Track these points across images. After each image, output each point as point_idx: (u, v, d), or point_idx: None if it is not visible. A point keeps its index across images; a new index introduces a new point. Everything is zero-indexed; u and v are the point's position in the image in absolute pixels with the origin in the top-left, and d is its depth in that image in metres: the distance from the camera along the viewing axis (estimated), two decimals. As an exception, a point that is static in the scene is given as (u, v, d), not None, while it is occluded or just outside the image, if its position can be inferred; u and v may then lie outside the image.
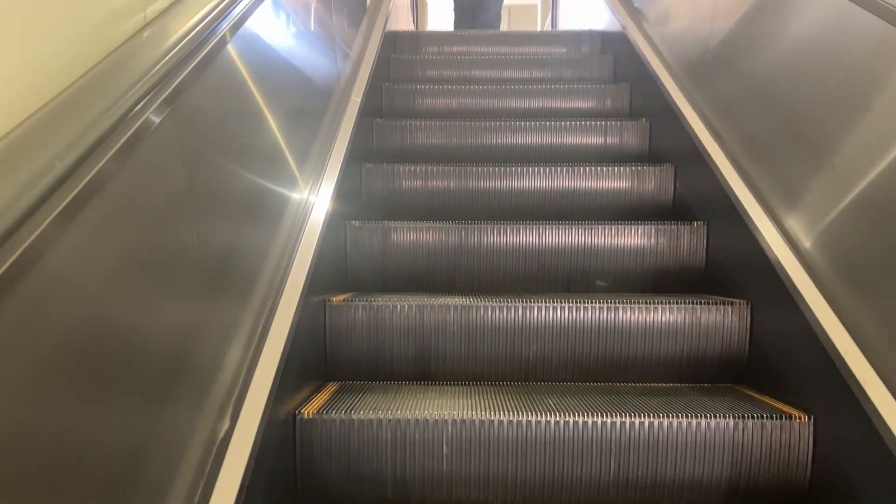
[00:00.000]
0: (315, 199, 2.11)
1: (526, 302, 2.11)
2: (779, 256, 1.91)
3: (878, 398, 1.48)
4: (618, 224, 2.51)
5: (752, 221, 2.08)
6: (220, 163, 1.51)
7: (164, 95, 1.19)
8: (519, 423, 1.71)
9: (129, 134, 1.06)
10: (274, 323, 1.61)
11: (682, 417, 1.70)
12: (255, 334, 1.53)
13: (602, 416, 1.70)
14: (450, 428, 1.70)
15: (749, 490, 1.70)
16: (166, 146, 1.24)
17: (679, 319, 2.11)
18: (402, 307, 2.10)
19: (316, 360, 2.01)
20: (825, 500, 1.62)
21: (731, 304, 2.10)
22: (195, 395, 1.25)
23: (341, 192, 2.35)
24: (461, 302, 2.11)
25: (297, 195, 2.01)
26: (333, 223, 2.22)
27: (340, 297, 2.14)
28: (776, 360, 1.93)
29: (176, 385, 1.18)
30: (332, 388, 1.99)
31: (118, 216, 1.05)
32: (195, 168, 1.36)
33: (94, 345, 0.95)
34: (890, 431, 1.41)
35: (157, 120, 1.17)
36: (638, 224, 2.52)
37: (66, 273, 0.91)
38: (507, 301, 2.11)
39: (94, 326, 0.96)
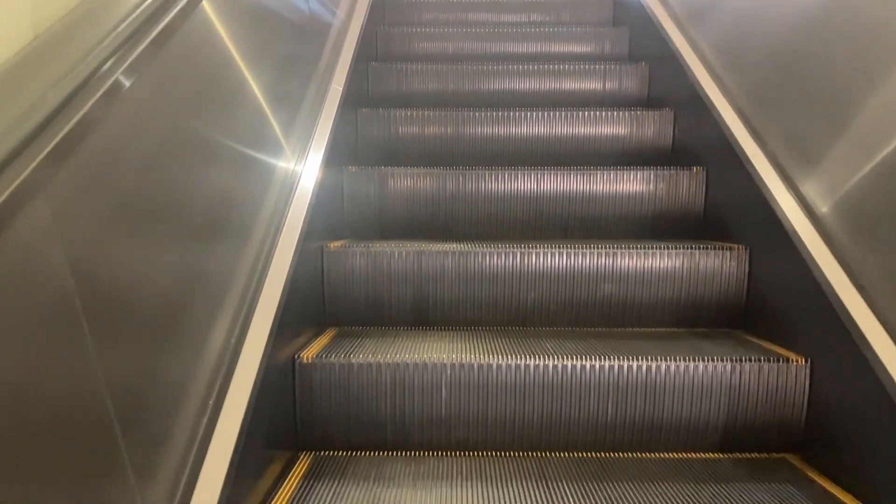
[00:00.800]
0: (311, 146, 2.08)
1: (524, 248, 2.10)
2: (779, 200, 1.89)
3: (876, 341, 1.49)
4: (616, 170, 2.49)
5: (753, 166, 2.06)
6: (219, 111, 1.49)
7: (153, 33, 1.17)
8: (517, 366, 1.71)
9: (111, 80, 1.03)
10: (271, 268, 1.60)
11: (679, 361, 1.71)
12: (253, 280, 1.52)
13: (600, 359, 1.71)
14: (448, 372, 1.71)
15: (745, 431, 1.72)
16: (159, 93, 1.21)
17: (677, 265, 2.11)
18: (400, 253, 2.09)
19: (314, 306, 2.00)
20: (820, 441, 1.64)
21: (730, 249, 2.09)
22: (195, 341, 1.24)
23: (337, 138, 2.31)
24: (459, 248, 2.10)
25: (293, 142, 1.98)
26: (330, 169, 2.19)
27: (338, 244, 2.13)
28: (774, 305, 1.93)
29: (176, 329, 1.17)
30: (331, 333, 1.99)
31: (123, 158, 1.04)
32: (195, 115, 1.34)
33: (93, 289, 0.94)
34: (887, 373, 1.42)
35: (143, 65, 1.14)
36: (636, 170, 2.49)
37: (65, 211, 0.89)
38: (506, 247, 2.10)
39: (94, 269, 0.95)
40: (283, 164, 1.86)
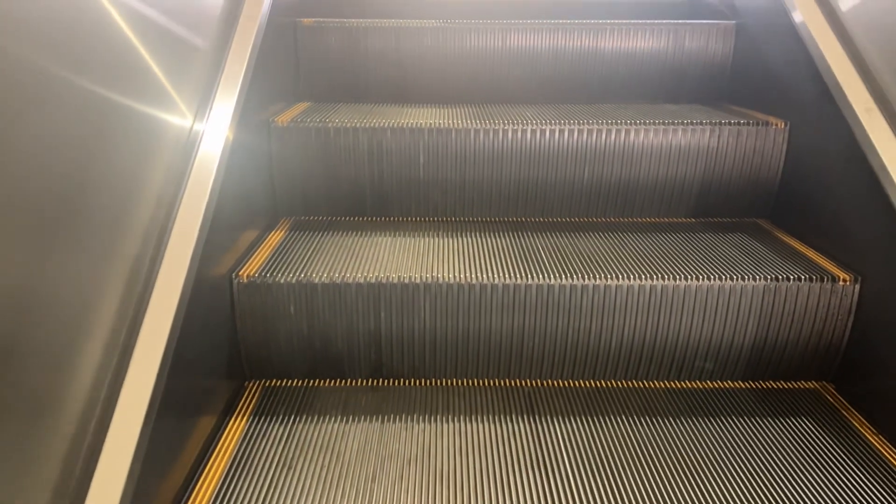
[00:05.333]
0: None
1: (506, 24, 2.02)
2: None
3: (854, 99, 1.46)
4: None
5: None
6: None
7: None
8: (494, 131, 1.70)
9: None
10: (238, 35, 1.52)
11: (658, 125, 1.70)
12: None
13: (578, 124, 1.69)
14: (426, 137, 1.69)
15: (720, 193, 1.74)
16: None
17: (663, 46, 2.06)
18: (378, 28, 2.02)
19: (289, 80, 1.95)
20: (791, 199, 1.67)
21: (717, 26, 2.03)
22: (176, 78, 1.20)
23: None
24: (438, 24, 2.03)
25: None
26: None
27: (312, 20, 2.04)
28: (759, 76, 1.90)
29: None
30: (305, 105, 1.96)
31: None
32: None
33: None
34: (863, 129, 1.40)
35: None
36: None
37: None
38: (486, 24, 2.03)
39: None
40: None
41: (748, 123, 1.69)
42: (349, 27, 2.02)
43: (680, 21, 2.06)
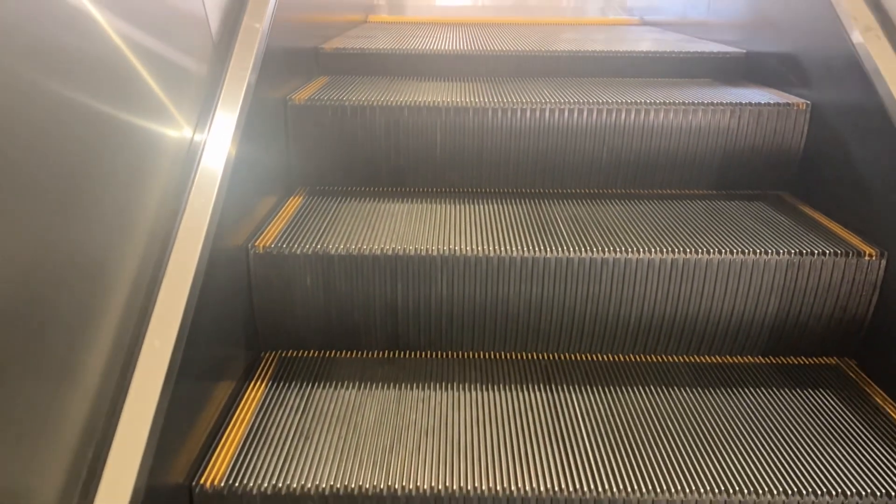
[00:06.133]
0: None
1: None
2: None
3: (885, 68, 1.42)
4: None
5: None
6: None
7: None
8: (513, 111, 1.67)
9: None
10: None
11: (679, 105, 1.67)
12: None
13: (598, 103, 1.67)
14: (443, 116, 1.67)
15: (741, 168, 1.72)
16: None
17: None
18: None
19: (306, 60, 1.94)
20: (814, 172, 1.64)
21: None
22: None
23: None
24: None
25: None
26: None
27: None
28: (775, 58, 1.86)
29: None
30: (322, 80, 1.94)
31: None
32: None
33: None
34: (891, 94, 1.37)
35: None
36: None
37: None
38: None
39: None
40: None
41: (769, 104, 1.66)
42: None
43: None
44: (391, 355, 1.42)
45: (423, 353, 1.43)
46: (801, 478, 1.08)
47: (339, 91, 1.76)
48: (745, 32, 2.10)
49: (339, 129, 1.68)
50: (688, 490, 1.05)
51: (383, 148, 1.70)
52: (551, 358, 1.42)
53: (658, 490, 1.05)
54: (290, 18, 1.75)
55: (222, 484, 1.06)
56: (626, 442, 1.16)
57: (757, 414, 1.24)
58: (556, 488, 1.06)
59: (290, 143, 1.69)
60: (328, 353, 1.44)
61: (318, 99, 1.67)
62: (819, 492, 1.06)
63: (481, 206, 1.62)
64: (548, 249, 1.36)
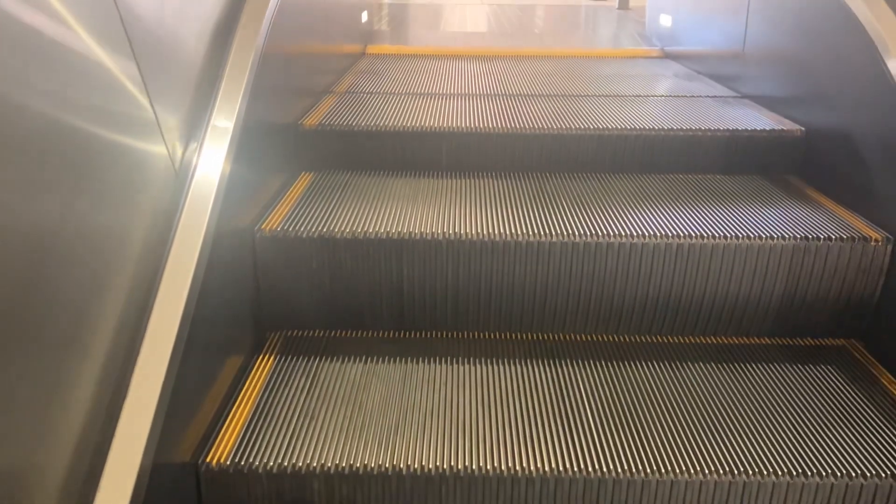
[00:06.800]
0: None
1: None
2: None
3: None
4: None
5: None
6: None
7: None
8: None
9: None
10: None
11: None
12: None
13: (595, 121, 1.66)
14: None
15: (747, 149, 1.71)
16: None
17: None
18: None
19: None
20: (820, 155, 1.63)
21: None
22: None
23: None
24: None
25: None
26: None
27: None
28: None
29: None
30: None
31: None
32: None
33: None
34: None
35: None
36: None
37: None
38: None
39: None
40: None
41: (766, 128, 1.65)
42: None
43: None
44: (397, 336, 1.42)
45: (429, 334, 1.43)
46: (807, 458, 1.08)
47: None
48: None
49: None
50: (693, 470, 1.06)
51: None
52: (557, 338, 1.42)
53: (663, 470, 1.06)
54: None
55: (228, 462, 1.07)
56: (631, 422, 1.16)
57: (763, 395, 1.24)
58: (562, 468, 1.06)
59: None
60: (333, 332, 1.44)
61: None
62: (824, 472, 1.06)
63: (488, 188, 1.61)
64: (554, 234, 1.35)
